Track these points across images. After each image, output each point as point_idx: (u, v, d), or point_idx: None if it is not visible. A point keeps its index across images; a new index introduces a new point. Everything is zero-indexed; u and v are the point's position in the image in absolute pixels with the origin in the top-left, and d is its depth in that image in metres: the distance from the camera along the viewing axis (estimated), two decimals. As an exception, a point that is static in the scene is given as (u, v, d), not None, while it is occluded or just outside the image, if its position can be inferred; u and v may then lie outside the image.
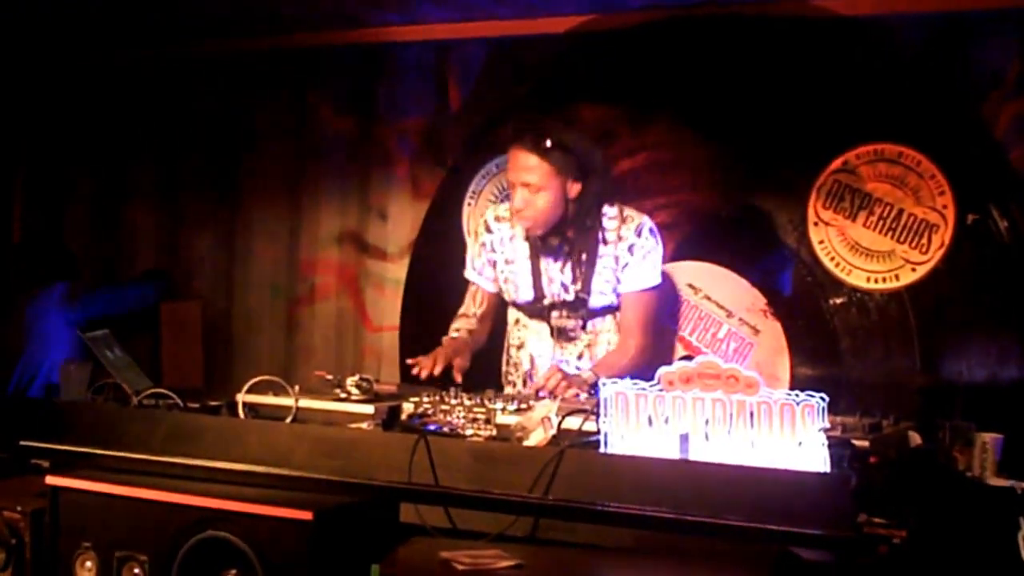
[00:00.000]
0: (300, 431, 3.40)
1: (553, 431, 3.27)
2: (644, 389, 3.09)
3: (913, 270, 4.89)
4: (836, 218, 5.03)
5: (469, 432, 3.37)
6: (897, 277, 4.92)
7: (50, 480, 3.32)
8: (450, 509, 3.17)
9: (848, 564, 2.73)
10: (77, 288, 6.34)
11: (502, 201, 4.58)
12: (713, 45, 5.26)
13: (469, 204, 5.80)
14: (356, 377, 3.69)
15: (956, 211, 4.81)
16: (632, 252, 4.26)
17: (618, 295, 4.31)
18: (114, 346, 3.89)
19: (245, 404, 3.61)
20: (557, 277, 4.33)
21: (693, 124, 5.32)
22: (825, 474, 2.88)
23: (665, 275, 4.43)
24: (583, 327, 4.35)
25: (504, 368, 4.58)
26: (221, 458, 3.33)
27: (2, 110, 6.67)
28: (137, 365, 3.94)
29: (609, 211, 4.30)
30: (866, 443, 3.14)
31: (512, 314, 4.52)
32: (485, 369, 4.57)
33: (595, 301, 4.31)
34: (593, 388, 4.10)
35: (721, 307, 5.18)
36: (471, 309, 4.51)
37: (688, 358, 4.97)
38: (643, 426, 3.09)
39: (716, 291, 5.19)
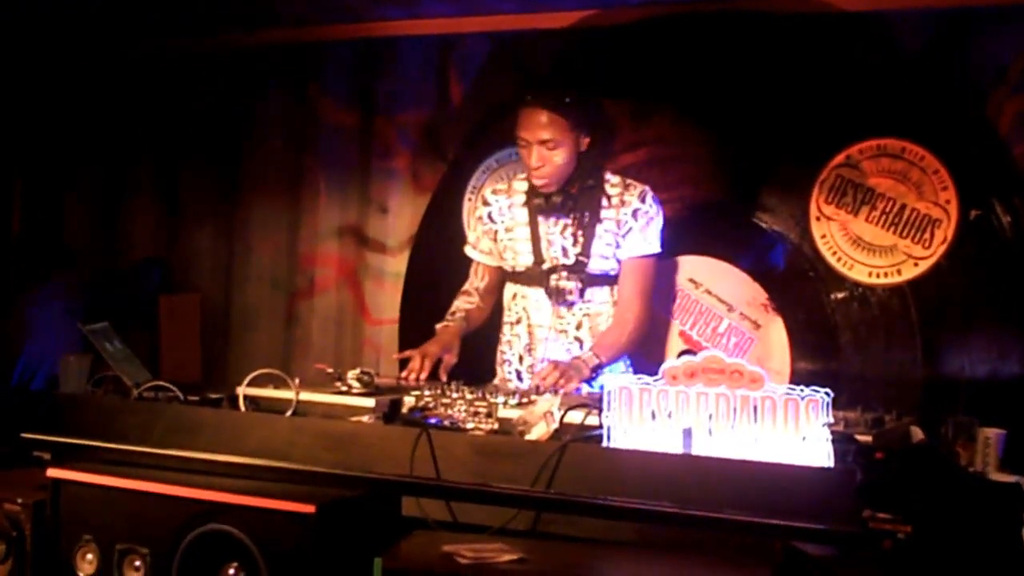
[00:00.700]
0: (301, 424, 3.40)
1: (555, 425, 3.27)
2: (648, 384, 3.09)
3: (915, 265, 4.89)
4: (838, 213, 5.02)
5: (470, 426, 3.36)
6: (899, 272, 4.91)
7: (51, 472, 3.32)
8: (451, 503, 3.17)
9: (852, 559, 2.72)
10: (76, 281, 6.34)
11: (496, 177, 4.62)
12: (715, 40, 5.25)
13: (469, 199, 5.79)
14: (357, 370, 3.68)
15: (959, 206, 4.80)
16: (636, 217, 4.29)
17: (618, 261, 4.33)
18: (114, 338, 3.89)
19: (246, 397, 3.60)
20: (557, 240, 4.35)
21: (695, 119, 5.31)
22: (830, 469, 2.88)
23: (663, 255, 4.42)
24: (581, 292, 4.35)
25: (500, 347, 4.56)
26: (222, 451, 3.33)
27: (2, 105, 6.65)
28: (137, 358, 3.94)
29: (612, 178, 4.35)
30: (869, 438, 3.13)
31: (509, 290, 4.52)
32: (484, 352, 4.59)
33: (595, 265, 4.32)
34: (595, 371, 4.10)
35: (722, 301, 5.17)
36: (474, 283, 4.56)
37: (688, 352, 4.97)
38: (646, 420, 3.09)
39: (717, 285, 5.18)
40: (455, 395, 3.49)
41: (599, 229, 4.30)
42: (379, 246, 6.20)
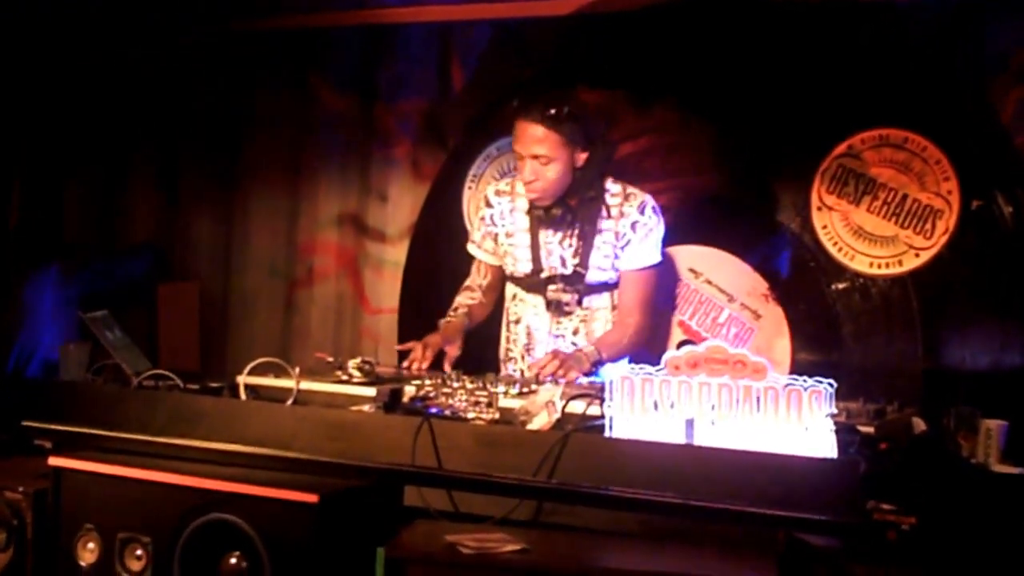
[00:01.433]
0: (302, 413, 3.39)
1: (557, 415, 3.26)
2: (650, 374, 3.08)
3: (916, 255, 4.88)
4: (840, 203, 5.02)
5: (471, 415, 3.36)
6: (900, 262, 4.91)
7: (53, 461, 3.32)
8: (453, 492, 3.17)
9: (856, 550, 2.72)
10: (72, 266, 6.33)
11: (503, 177, 4.58)
12: (717, 28, 5.23)
13: (470, 187, 5.78)
14: (358, 359, 3.68)
15: (960, 197, 4.80)
16: (635, 229, 4.26)
17: (617, 272, 4.30)
18: (114, 327, 3.88)
19: (246, 386, 3.60)
20: (556, 250, 4.33)
21: (696, 107, 5.30)
22: (834, 460, 2.87)
23: (665, 256, 4.41)
24: (579, 302, 4.34)
25: (504, 345, 4.56)
26: (223, 440, 3.33)
27: (1, 95, 6.63)
28: (136, 346, 3.93)
29: (612, 187, 4.30)
30: (871, 429, 3.13)
31: (510, 289, 4.52)
32: (486, 346, 4.58)
33: (592, 276, 4.31)
34: (595, 365, 4.10)
35: (722, 291, 5.17)
36: (476, 280, 4.53)
37: (688, 342, 4.96)
38: (649, 411, 3.08)
39: (717, 275, 5.18)
40: (456, 384, 3.48)
41: (597, 240, 4.27)
42: (379, 235, 6.18)
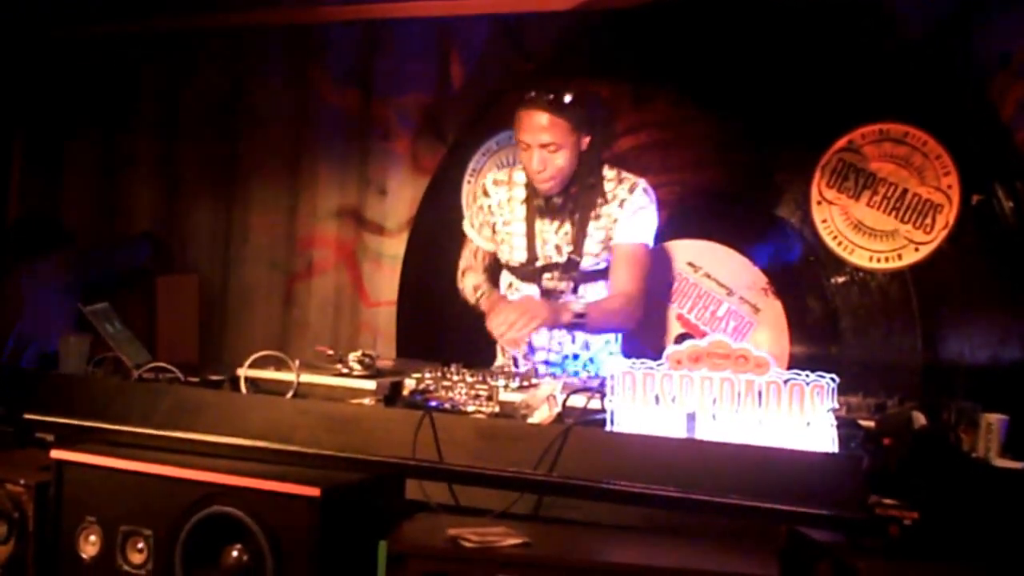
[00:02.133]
0: (303, 407, 3.39)
1: (558, 409, 3.27)
2: (652, 368, 3.08)
3: (916, 250, 4.88)
4: (840, 197, 5.01)
5: (471, 409, 3.36)
6: (900, 257, 4.91)
7: (55, 454, 3.31)
8: (454, 486, 3.17)
9: (859, 545, 2.73)
10: (70, 257, 6.33)
11: (500, 169, 4.56)
12: (717, 22, 5.23)
13: (469, 182, 5.78)
14: (358, 352, 3.68)
15: (961, 191, 4.79)
16: (622, 207, 4.24)
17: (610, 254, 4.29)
18: (114, 319, 3.88)
19: (247, 379, 3.60)
20: (551, 239, 4.31)
21: (697, 102, 5.29)
22: (836, 454, 2.88)
23: (659, 247, 4.39)
24: (574, 290, 4.32)
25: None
26: (224, 433, 3.33)
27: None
28: (136, 339, 3.93)
29: (608, 173, 4.29)
30: (872, 423, 3.13)
31: (505, 277, 4.51)
32: (481, 335, 4.52)
33: (587, 263, 4.29)
34: (579, 317, 4.08)
35: (721, 285, 5.17)
36: (475, 263, 4.51)
37: (687, 336, 4.97)
38: (650, 404, 3.09)
39: (716, 269, 5.18)
40: (456, 378, 3.48)
41: (592, 227, 4.26)
42: (377, 228, 6.19)
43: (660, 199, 4.35)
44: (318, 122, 6.29)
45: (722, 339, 3.05)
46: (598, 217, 4.26)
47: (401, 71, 6.06)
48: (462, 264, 4.56)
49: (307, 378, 3.56)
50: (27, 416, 3.59)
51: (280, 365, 3.62)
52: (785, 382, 2.97)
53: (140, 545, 3.20)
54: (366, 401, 3.46)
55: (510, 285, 4.48)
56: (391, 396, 3.51)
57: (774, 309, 5.10)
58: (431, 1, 5.88)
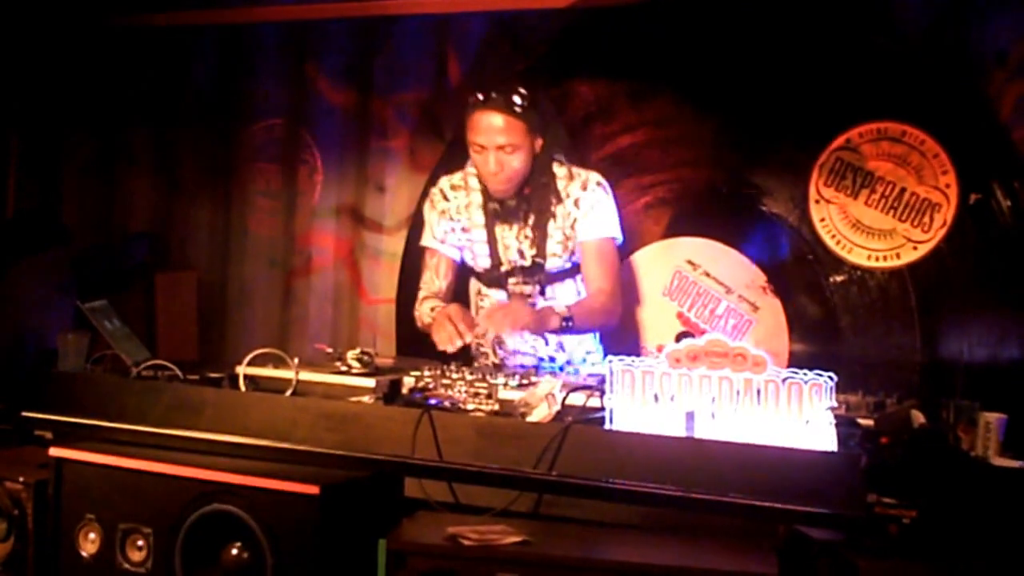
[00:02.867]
0: (302, 404, 3.39)
1: (557, 407, 3.27)
2: (651, 366, 3.09)
3: (914, 249, 4.88)
4: (838, 196, 5.01)
5: (471, 407, 3.36)
6: (898, 256, 4.91)
7: (54, 452, 3.32)
8: (454, 484, 3.18)
9: (857, 543, 2.73)
10: (67, 253, 6.33)
11: (452, 173, 4.50)
12: (715, 21, 5.22)
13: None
14: (357, 350, 3.68)
15: (959, 190, 4.79)
16: (578, 206, 4.21)
17: (572, 254, 4.26)
18: (112, 316, 3.88)
19: (245, 376, 3.60)
20: (513, 243, 4.28)
21: (694, 100, 5.28)
22: (835, 453, 2.88)
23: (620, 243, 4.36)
24: (541, 292, 4.29)
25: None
26: (223, 431, 3.34)
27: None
28: (135, 336, 3.93)
29: (559, 171, 4.25)
30: (871, 422, 3.14)
31: (473, 284, 4.47)
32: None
33: (551, 264, 4.27)
34: (566, 321, 4.06)
35: (720, 283, 5.17)
36: (436, 284, 4.41)
37: (687, 335, 4.98)
38: (649, 403, 3.09)
39: (715, 267, 5.18)
40: (455, 376, 3.48)
41: (551, 227, 4.24)
42: (376, 225, 6.18)
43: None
44: (316, 119, 6.27)
45: (719, 338, 3.05)
46: (555, 217, 4.23)
47: (399, 68, 6.05)
48: (421, 292, 4.43)
49: (306, 376, 3.56)
50: (26, 414, 3.59)
51: (279, 363, 3.62)
52: (784, 381, 2.97)
53: (140, 543, 3.21)
54: (365, 399, 3.46)
55: (479, 292, 4.45)
56: (390, 394, 3.50)
57: (773, 307, 5.10)
58: (429, -2, 5.89)
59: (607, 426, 3.12)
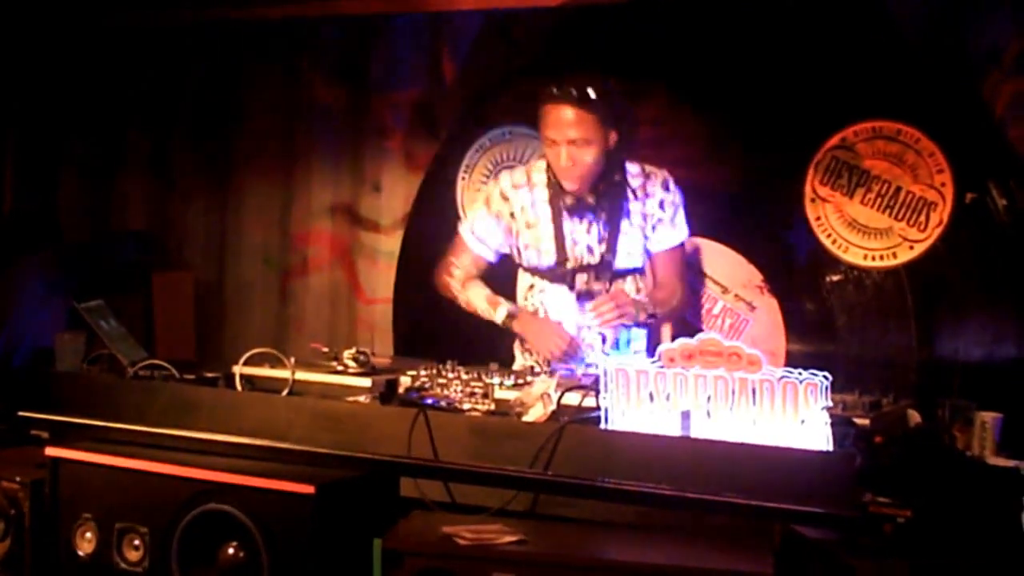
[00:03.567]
0: (299, 404, 3.40)
1: (552, 407, 3.27)
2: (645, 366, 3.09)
3: (911, 248, 4.88)
4: (833, 195, 5.02)
5: (467, 407, 3.36)
6: (894, 255, 4.91)
7: (50, 451, 3.32)
8: (450, 483, 3.18)
9: (852, 543, 2.73)
10: (62, 252, 6.33)
11: (509, 168, 4.43)
12: (710, 19, 5.22)
13: (463, 178, 5.77)
14: (353, 350, 3.68)
15: (954, 189, 4.79)
16: (663, 207, 4.20)
17: (648, 254, 4.25)
18: (108, 316, 3.88)
19: (242, 376, 3.60)
20: (583, 239, 4.19)
21: (689, 99, 5.28)
22: (829, 452, 2.88)
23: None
24: (607, 290, 4.18)
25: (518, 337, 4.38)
26: (219, 430, 3.34)
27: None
28: (131, 336, 3.93)
29: (632, 168, 4.20)
30: (867, 422, 3.14)
31: (525, 280, 4.35)
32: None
33: (621, 262, 4.20)
34: (651, 318, 4.10)
35: (717, 283, 5.17)
36: (472, 270, 4.36)
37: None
38: (644, 402, 3.09)
39: (712, 267, 5.17)
40: (451, 375, 3.48)
41: (624, 225, 4.17)
42: (372, 225, 6.19)
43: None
44: (311, 119, 6.29)
45: (714, 337, 3.05)
46: (631, 215, 4.18)
47: (393, 67, 6.06)
48: (456, 270, 4.37)
49: (302, 375, 3.56)
50: (22, 414, 3.60)
51: (275, 363, 3.62)
52: (779, 380, 2.97)
53: (136, 542, 3.22)
54: (361, 398, 3.46)
55: (531, 287, 4.32)
56: (386, 393, 3.51)
57: (770, 307, 5.10)
58: (422, -4, 5.90)
59: (602, 426, 3.11)
